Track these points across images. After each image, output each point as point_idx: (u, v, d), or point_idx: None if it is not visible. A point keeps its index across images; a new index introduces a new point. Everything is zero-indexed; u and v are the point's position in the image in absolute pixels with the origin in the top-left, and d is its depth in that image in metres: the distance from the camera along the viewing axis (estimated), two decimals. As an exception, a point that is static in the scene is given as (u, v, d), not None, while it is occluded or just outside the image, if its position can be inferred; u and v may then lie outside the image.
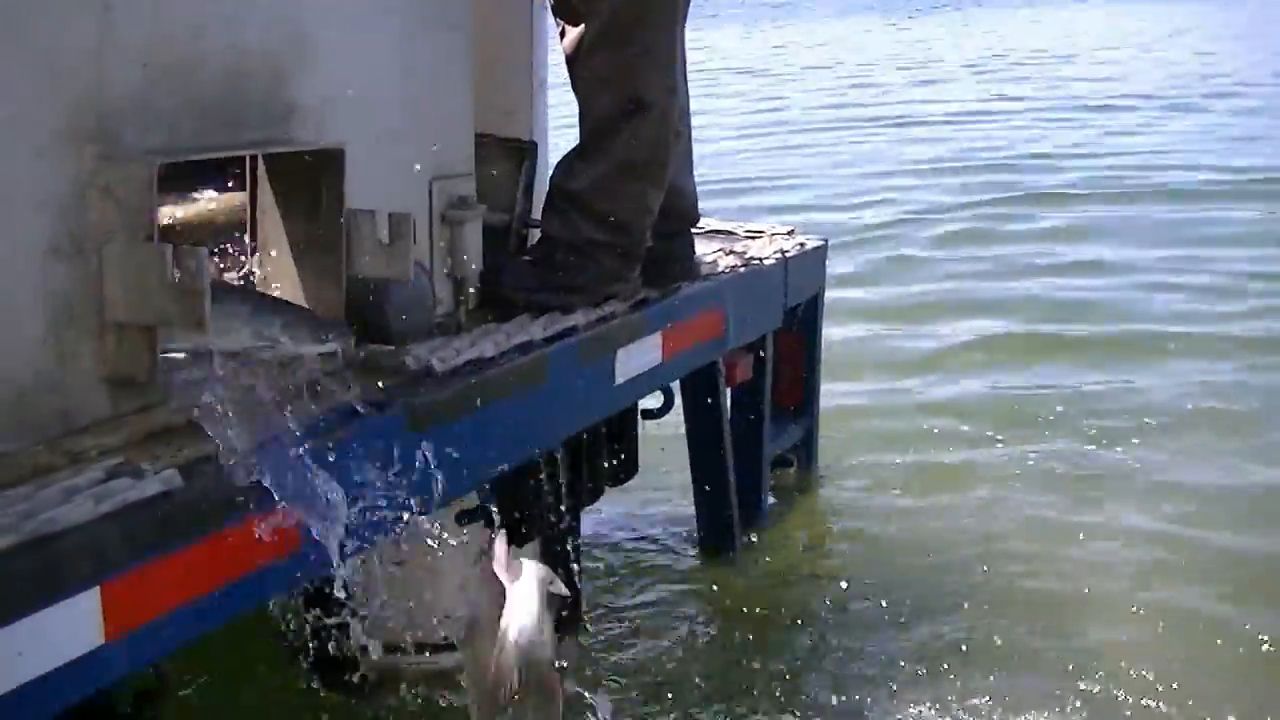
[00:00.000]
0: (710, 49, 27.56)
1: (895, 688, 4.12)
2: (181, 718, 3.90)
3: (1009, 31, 33.87)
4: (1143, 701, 4.02)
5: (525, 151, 4.04)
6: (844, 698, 4.07)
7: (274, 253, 3.04)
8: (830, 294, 5.86)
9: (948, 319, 8.46)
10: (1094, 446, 6.20)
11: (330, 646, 3.97)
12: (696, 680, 4.22)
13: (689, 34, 4.14)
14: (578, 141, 3.92)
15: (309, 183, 3.00)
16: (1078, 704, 4.00)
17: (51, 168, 2.41)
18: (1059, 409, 6.65)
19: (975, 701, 4.01)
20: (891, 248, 10.51)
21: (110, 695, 2.52)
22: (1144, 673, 4.15)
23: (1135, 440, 6.23)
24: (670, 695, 4.14)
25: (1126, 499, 5.60)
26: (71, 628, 2.13)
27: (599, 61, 3.82)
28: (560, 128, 4.40)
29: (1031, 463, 6.01)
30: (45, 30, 2.38)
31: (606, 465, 4.43)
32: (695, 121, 4.41)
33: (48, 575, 2.09)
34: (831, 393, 6.24)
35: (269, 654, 4.28)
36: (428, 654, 4.15)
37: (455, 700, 4.04)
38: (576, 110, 3.93)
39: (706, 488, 5.04)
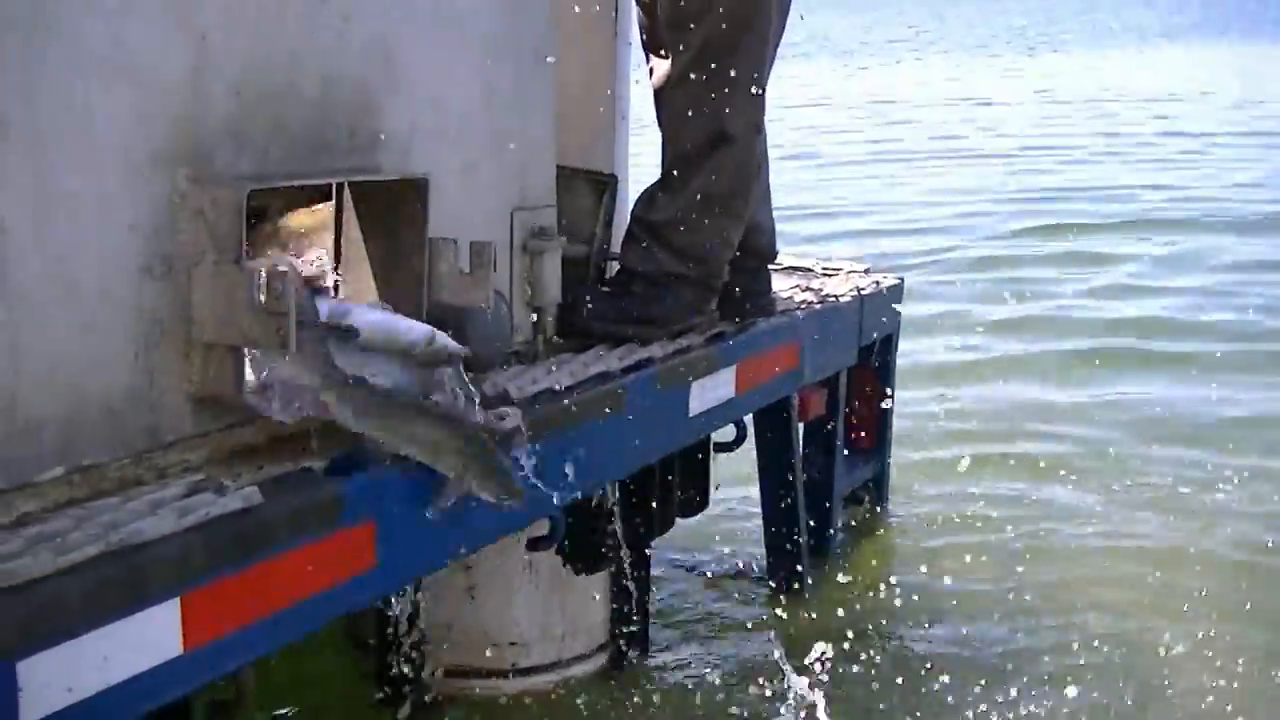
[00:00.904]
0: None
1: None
2: None
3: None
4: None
5: (606, 184, 4.10)
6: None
7: (357, 278, 3.10)
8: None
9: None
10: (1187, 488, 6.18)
11: (396, 666, 4.04)
12: (757, 716, 4.22)
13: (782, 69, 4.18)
14: (660, 175, 3.98)
15: (393, 210, 3.06)
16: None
17: (145, 189, 2.48)
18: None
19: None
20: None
21: (188, 704, 2.59)
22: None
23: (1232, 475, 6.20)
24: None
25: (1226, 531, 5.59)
26: (152, 636, 2.19)
27: (686, 93, 3.88)
28: (639, 165, 4.47)
29: (1117, 502, 6.01)
30: (143, 55, 2.45)
31: (678, 496, 4.48)
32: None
33: (131, 584, 2.15)
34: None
35: (338, 669, 4.37)
36: (491, 679, 4.21)
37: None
38: (660, 145, 3.98)
39: (776, 523, 5.06)
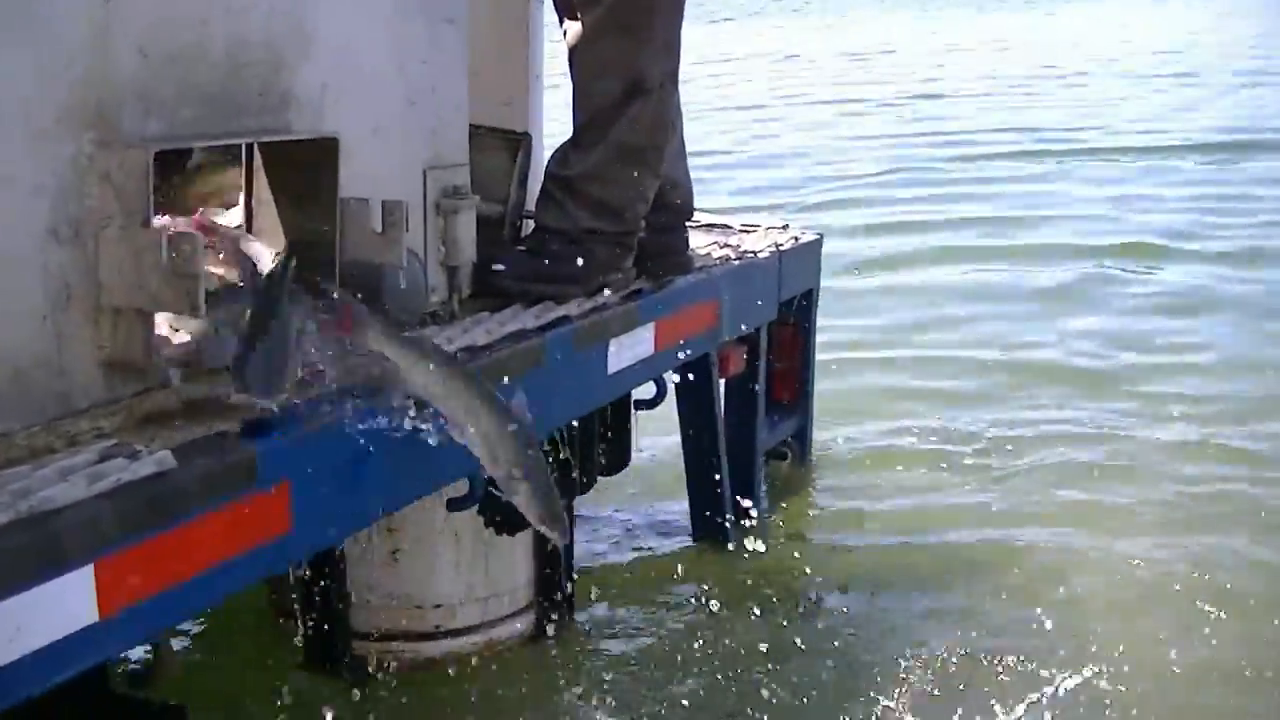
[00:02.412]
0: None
1: (883, 681, 4.13)
2: (173, 696, 3.95)
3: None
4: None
5: (520, 142, 4.08)
6: (833, 688, 4.09)
7: (268, 241, 3.07)
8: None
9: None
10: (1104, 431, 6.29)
11: (320, 629, 4.02)
12: (687, 671, 4.23)
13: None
14: (573, 131, 3.96)
15: (304, 171, 3.03)
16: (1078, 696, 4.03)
17: (50, 152, 2.44)
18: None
19: (968, 692, 4.03)
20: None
21: (106, 673, 2.56)
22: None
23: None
24: (661, 686, 4.17)
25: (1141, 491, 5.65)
26: (65, 605, 2.16)
27: (601, 47, 3.87)
28: (553, 123, 4.45)
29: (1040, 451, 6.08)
30: (46, 16, 2.42)
31: (599, 456, 4.47)
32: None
33: (42, 553, 2.12)
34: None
35: (261, 633, 4.34)
36: (417, 641, 4.19)
37: (443, 690, 4.09)
38: (572, 103, 3.97)
39: (699, 479, 5.07)
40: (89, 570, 2.19)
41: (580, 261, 3.86)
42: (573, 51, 3.93)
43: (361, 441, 2.79)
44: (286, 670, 4.11)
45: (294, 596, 4.07)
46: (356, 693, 3.99)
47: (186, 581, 2.40)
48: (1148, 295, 9.07)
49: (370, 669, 4.10)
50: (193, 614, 2.48)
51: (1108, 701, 3.99)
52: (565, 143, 3.97)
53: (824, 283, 5.81)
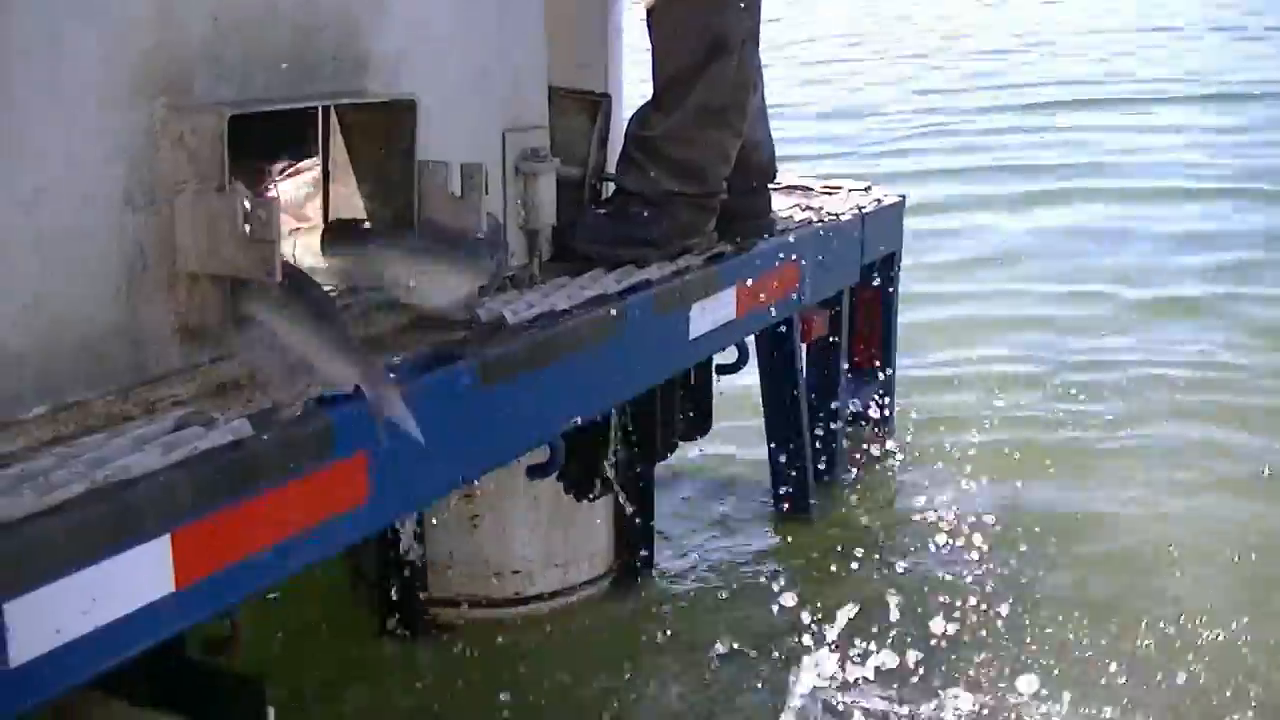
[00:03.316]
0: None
1: (955, 657, 4.06)
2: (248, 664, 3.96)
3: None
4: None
5: (599, 104, 4.02)
6: (908, 660, 4.02)
7: (346, 205, 3.04)
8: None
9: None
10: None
11: (396, 592, 4.02)
12: (763, 639, 4.19)
13: None
14: (653, 93, 3.90)
15: (381, 134, 2.99)
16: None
17: (123, 119, 2.41)
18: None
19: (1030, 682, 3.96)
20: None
21: (183, 642, 2.55)
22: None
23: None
24: (737, 652, 4.13)
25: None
26: (142, 575, 2.13)
27: (680, 8, 3.81)
28: (632, 83, 4.39)
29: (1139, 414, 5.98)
30: (116, -18, 2.39)
31: (680, 420, 4.43)
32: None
33: (118, 523, 2.09)
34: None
35: (339, 597, 4.34)
36: (496, 607, 4.18)
37: (519, 654, 4.07)
38: (651, 65, 3.91)
39: (781, 445, 5.01)
40: (165, 540, 2.17)
41: (662, 224, 3.80)
42: (650, 11, 3.86)
43: (439, 409, 2.76)
44: (365, 637, 4.12)
45: (372, 563, 4.09)
46: (432, 658, 4.01)
47: (264, 551, 2.37)
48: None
49: (448, 635, 4.10)
50: (270, 584, 2.43)
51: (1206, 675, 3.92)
52: (645, 104, 3.91)
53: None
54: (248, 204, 2.44)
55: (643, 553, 4.44)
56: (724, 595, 4.52)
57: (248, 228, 2.43)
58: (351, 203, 3.04)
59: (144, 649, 2.18)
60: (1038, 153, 12.18)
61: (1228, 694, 3.89)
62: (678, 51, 3.83)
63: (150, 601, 2.15)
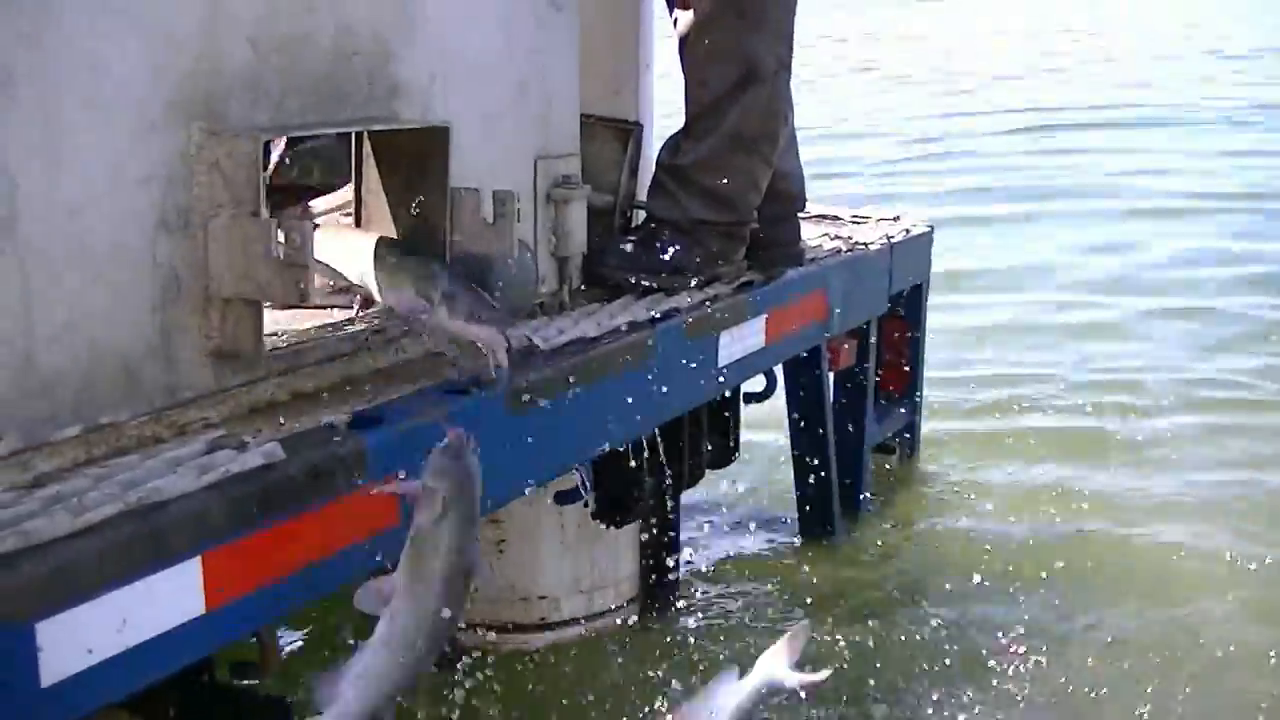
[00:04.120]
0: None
1: (982, 679, 4.06)
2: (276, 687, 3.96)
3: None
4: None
5: (631, 132, 4.03)
6: (932, 688, 4.01)
7: (379, 230, 3.05)
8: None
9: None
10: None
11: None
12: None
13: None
14: (685, 121, 3.91)
15: (414, 160, 3.01)
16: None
17: (159, 143, 2.43)
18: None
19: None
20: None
21: (212, 663, 2.55)
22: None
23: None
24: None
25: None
26: (173, 596, 2.14)
27: (713, 34, 3.81)
28: (662, 115, 4.40)
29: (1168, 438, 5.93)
30: (156, 5, 2.40)
31: (708, 448, 4.43)
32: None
33: (150, 544, 2.10)
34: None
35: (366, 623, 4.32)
36: (522, 633, 4.17)
37: (545, 679, 4.06)
38: (684, 93, 3.92)
39: (807, 472, 5.01)
40: (196, 562, 2.18)
41: (692, 253, 3.81)
42: (684, 39, 3.87)
43: (469, 434, 2.76)
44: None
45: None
46: (458, 682, 4.00)
47: (295, 574, 2.38)
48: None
49: (473, 660, 4.09)
50: (300, 606, 2.44)
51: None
52: (677, 132, 3.92)
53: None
54: (281, 228, 2.45)
55: (669, 579, 4.43)
56: (749, 622, 4.52)
57: (280, 251, 2.45)
58: (385, 229, 3.05)
59: (175, 669, 2.19)
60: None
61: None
62: (711, 79, 3.84)
63: (181, 622, 2.16)
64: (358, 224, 3.09)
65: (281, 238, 2.46)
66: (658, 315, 3.57)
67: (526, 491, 3.06)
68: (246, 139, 2.51)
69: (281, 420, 2.58)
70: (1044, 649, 4.28)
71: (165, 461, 2.28)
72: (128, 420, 2.41)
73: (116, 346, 2.39)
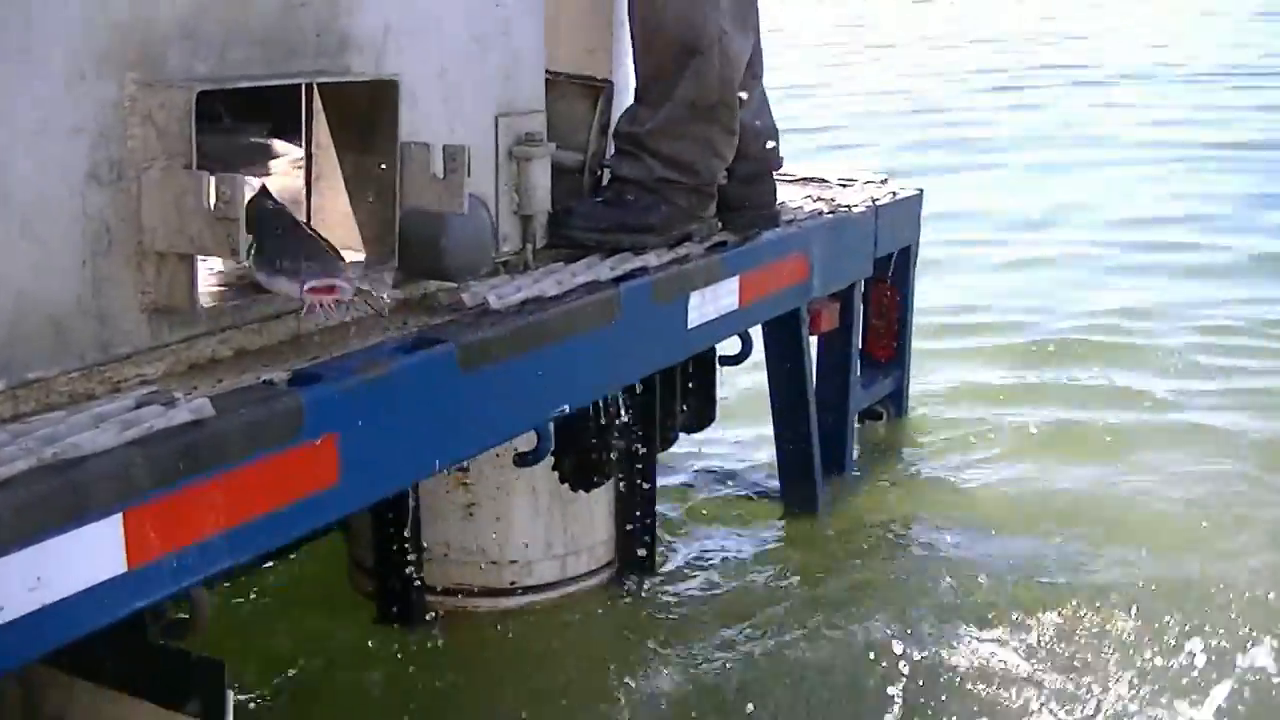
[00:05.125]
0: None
1: (966, 662, 3.99)
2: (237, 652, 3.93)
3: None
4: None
5: (601, 89, 3.97)
6: (914, 663, 3.97)
7: (328, 189, 3.00)
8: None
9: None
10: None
11: (393, 581, 3.98)
12: (765, 638, 4.13)
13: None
14: (638, 89, 3.84)
15: (363, 116, 2.95)
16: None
17: (90, 93, 2.37)
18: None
19: (1052, 678, 3.90)
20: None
21: (143, 623, 2.51)
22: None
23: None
24: (738, 650, 4.07)
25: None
26: (91, 555, 2.10)
27: (654, 3, 3.73)
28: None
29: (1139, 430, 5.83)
30: (87, -48, 2.35)
31: (681, 411, 4.38)
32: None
33: (67, 500, 2.06)
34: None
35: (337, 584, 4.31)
36: (493, 597, 4.14)
37: (517, 646, 4.02)
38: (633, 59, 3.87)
39: (788, 439, 4.95)
40: (117, 519, 2.13)
41: (660, 210, 3.74)
42: (631, 5, 3.80)
43: (417, 393, 2.72)
44: (361, 626, 4.09)
45: (369, 553, 4.05)
46: (427, 647, 3.97)
47: (225, 533, 2.33)
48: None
49: (445, 625, 4.06)
50: (231, 566, 2.39)
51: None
52: (635, 100, 3.85)
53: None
54: (213, 181, 2.40)
55: (645, 545, 4.38)
56: (728, 590, 4.46)
57: (213, 204, 2.39)
58: (334, 186, 3.00)
59: (95, 629, 2.15)
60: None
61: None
62: (655, 47, 3.76)
63: (101, 581, 2.11)
64: (307, 181, 3.03)
65: (214, 191, 2.40)
66: (622, 274, 3.51)
67: (478, 452, 3.02)
68: (180, 89, 2.45)
69: (220, 378, 2.53)
70: (1044, 596, 4.31)
71: (90, 417, 2.23)
72: (57, 376, 2.36)
73: (44, 300, 2.34)
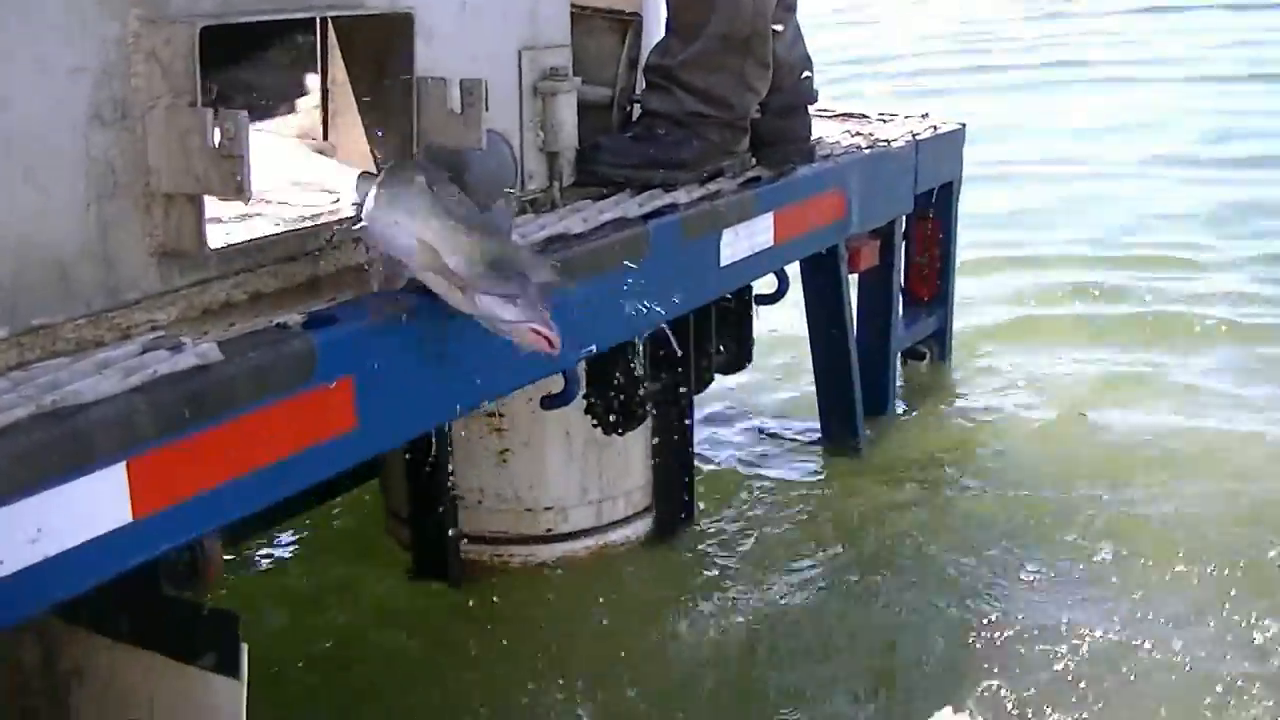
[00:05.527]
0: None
1: (1004, 603, 3.93)
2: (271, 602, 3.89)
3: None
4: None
5: (630, 23, 3.87)
6: (951, 605, 3.89)
7: (345, 125, 2.92)
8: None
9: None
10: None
11: (428, 530, 3.92)
12: (804, 588, 4.06)
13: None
14: (671, 21, 3.73)
15: (381, 50, 2.86)
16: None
17: (91, 31, 2.29)
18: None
19: (1092, 628, 3.80)
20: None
21: (156, 573, 2.45)
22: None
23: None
24: (777, 590, 4.00)
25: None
26: (95, 504, 2.03)
27: None
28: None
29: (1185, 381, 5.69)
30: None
31: (717, 352, 4.29)
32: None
33: (67, 449, 1.99)
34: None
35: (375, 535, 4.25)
36: (528, 545, 4.07)
37: (554, 595, 3.96)
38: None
39: (828, 379, 4.86)
40: (120, 468, 2.06)
41: (691, 145, 3.65)
42: None
43: (434, 334, 2.64)
44: (396, 579, 4.03)
45: (404, 501, 4.00)
46: (463, 600, 3.91)
47: (235, 481, 2.26)
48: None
49: (480, 575, 4.00)
50: (243, 514, 2.32)
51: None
52: (666, 35, 3.75)
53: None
54: (215, 118, 2.31)
55: (683, 490, 4.30)
56: (767, 537, 4.38)
57: (217, 142, 2.31)
58: (352, 124, 2.92)
59: (99, 582, 2.08)
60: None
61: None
62: None
63: (104, 532, 2.05)
64: (324, 117, 2.95)
65: (218, 128, 2.32)
66: (651, 211, 3.41)
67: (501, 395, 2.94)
68: (184, 25, 2.37)
69: (232, 322, 2.46)
70: (1088, 538, 4.24)
71: (94, 364, 2.16)
72: (63, 323, 2.29)
73: (48, 246, 2.26)
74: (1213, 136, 10.22)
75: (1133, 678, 3.55)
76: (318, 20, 2.88)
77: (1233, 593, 3.90)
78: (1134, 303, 6.54)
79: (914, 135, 4.93)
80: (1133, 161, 9.52)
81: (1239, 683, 3.49)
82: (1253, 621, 3.76)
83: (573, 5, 3.52)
